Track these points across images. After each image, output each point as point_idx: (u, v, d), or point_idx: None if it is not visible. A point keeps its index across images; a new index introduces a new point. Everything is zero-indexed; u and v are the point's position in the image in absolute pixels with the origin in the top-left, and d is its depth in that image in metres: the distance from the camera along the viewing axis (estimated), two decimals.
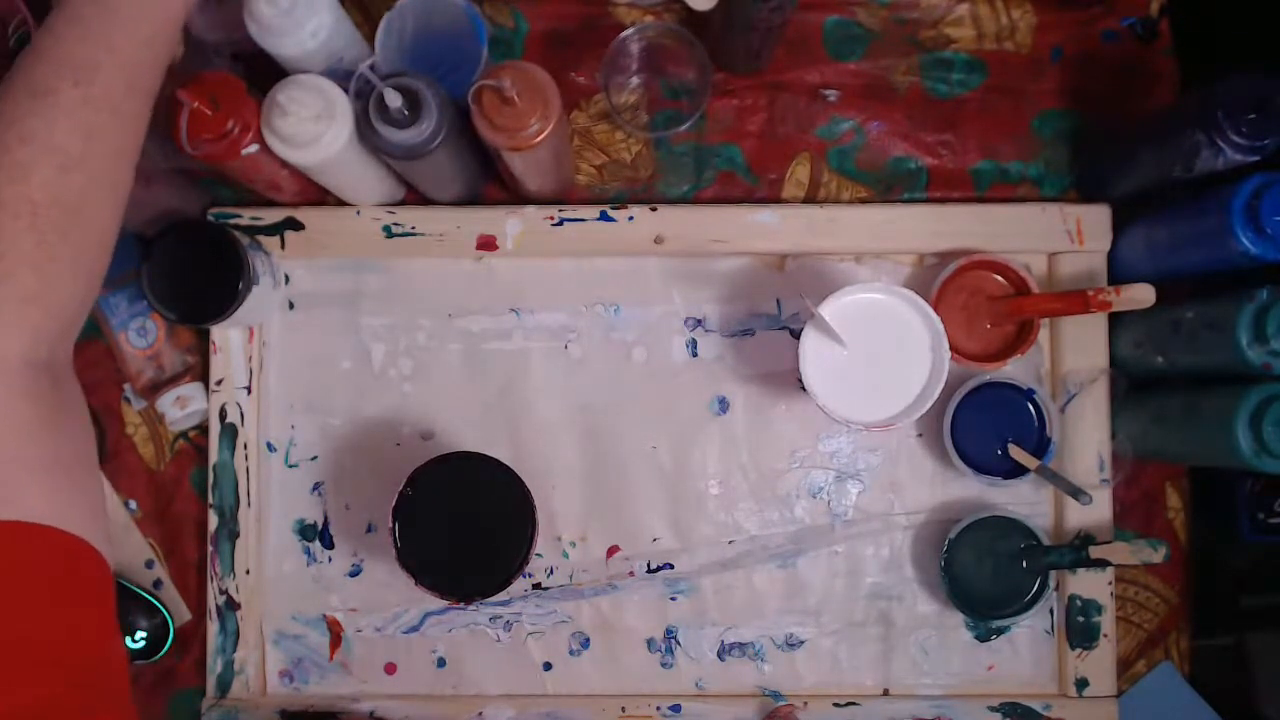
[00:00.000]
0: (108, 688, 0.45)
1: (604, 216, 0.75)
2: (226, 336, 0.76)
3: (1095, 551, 0.71)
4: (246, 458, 0.75)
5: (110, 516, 0.77)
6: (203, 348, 0.77)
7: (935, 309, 0.65)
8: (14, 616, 0.43)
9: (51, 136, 0.48)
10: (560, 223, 0.75)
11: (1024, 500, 0.75)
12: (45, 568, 0.45)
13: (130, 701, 0.46)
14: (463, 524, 0.66)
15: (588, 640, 0.76)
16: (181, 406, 0.75)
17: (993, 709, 0.74)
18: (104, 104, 0.49)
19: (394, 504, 0.65)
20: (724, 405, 0.76)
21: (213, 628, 0.75)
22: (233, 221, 0.75)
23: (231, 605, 0.75)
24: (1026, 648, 0.75)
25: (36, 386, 0.47)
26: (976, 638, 0.76)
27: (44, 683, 0.42)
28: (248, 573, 0.75)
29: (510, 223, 0.75)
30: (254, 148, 0.65)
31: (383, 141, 0.63)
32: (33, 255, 0.47)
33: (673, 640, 0.76)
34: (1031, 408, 0.73)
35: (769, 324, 0.76)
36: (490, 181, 0.78)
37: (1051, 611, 0.75)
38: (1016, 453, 0.72)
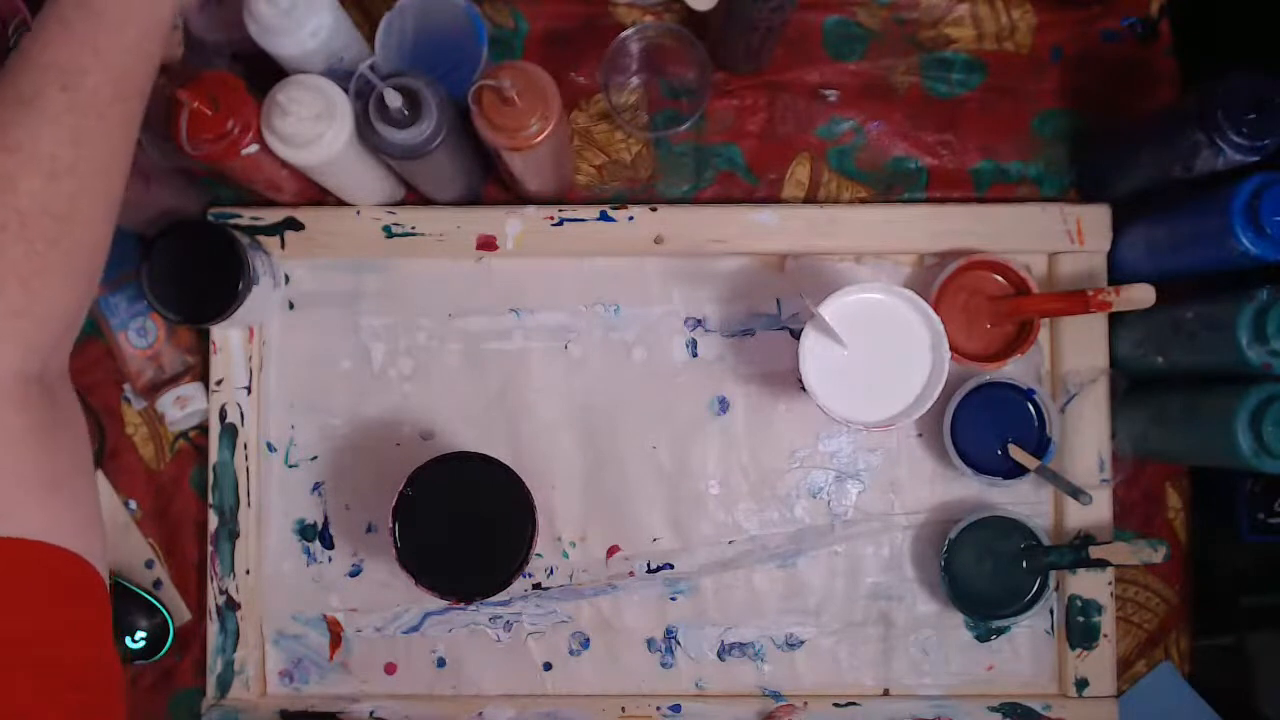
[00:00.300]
0: (107, 694, 0.45)
1: (604, 216, 0.75)
2: (226, 336, 0.76)
3: (1095, 551, 0.71)
4: (246, 458, 0.75)
5: (110, 517, 0.77)
6: (203, 348, 0.77)
7: (935, 309, 0.66)
8: (12, 621, 0.43)
9: (38, 144, 0.47)
10: (560, 223, 0.75)
11: (1024, 500, 0.75)
12: (40, 583, 0.45)
13: (126, 716, 0.46)
14: (463, 524, 0.66)
15: (588, 640, 0.76)
16: (181, 406, 0.75)
17: (993, 709, 0.74)
18: (91, 109, 0.49)
19: (394, 504, 0.65)
20: (724, 405, 0.76)
21: (213, 628, 0.75)
22: (233, 221, 0.75)
23: (231, 605, 0.75)
24: (1026, 648, 0.75)
25: (30, 399, 0.46)
26: (976, 638, 0.76)
27: (44, 680, 0.42)
28: (248, 573, 0.75)
29: (510, 223, 0.75)
30: (254, 148, 0.65)
31: (383, 141, 0.63)
32: (22, 266, 0.46)
33: (673, 640, 0.76)
34: (1031, 408, 0.73)
35: (769, 324, 0.76)
36: (490, 181, 0.78)
37: (1051, 611, 0.75)
38: (1016, 453, 0.72)
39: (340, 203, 0.76)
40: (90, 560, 0.46)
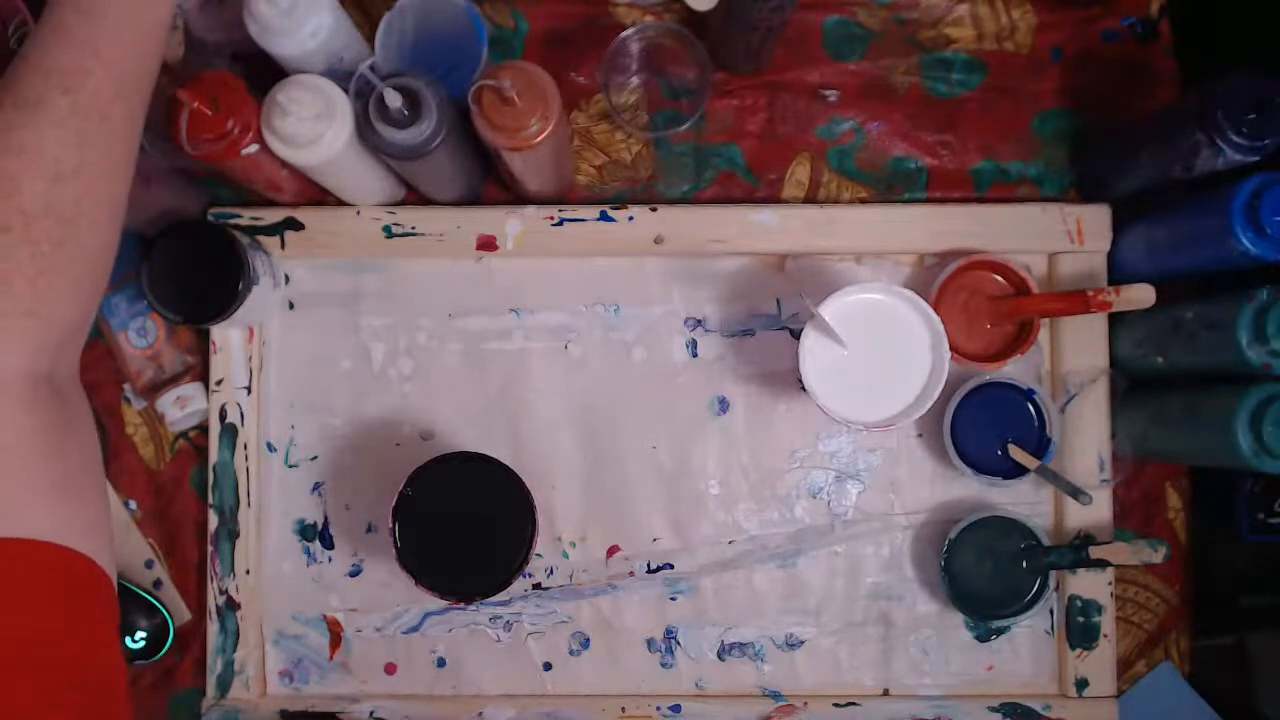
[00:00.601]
0: (108, 694, 0.45)
1: (604, 216, 0.75)
2: (226, 336, 0.76)
3: (1095, 551, 0.71)
4: (246, 458, 0.75)
5: (110, 516, 0.77)
6: (203, 348, 0.77)
7: (935, 309, 0.66)
8: (15, 620, 0.43)
9: (42, 147, 0.47)
10: (560, 223, 0.75)
11: (1024, 500, 0.75)
12: (47, 583, 0.45)
13: (130, 717, 0.46)
14: (463, 524, 0.66)
15: (588, 640, 0.76)
16: (181, 406, 0.75)
17: (993, 709, 0.74)
18: (93, 110, 0.49)
19: (394, 504, 0.65)
20: (724, 405, 0.76)
21: (213, 628, 0.75)
22: (233, 221, 0.75)
23: (231, 605, 0.75)
24: (1026, 648, 0.75)
25: (40, 400, 0.47)
26: (976, 638, 0.76)
27: (44, 680, 0.42)
28: (248, 573, 0.75)
29: (510, 223, 0.75)
30: (254, 148, 0.65)
31: (383, 141, 0.63)
32: (29, 267, 0.46)
33: (673, 640, 0.76)
34: (1031, 408, 0.73)
35: (769, 324, 0.76)
36: (490, 181, 0.78)
37: (1051, 612, 0.75)
38: (1016, 453, 0.72)
39: (340, 203, 0.76)
40: (98, 561, 0.46)
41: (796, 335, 0.75)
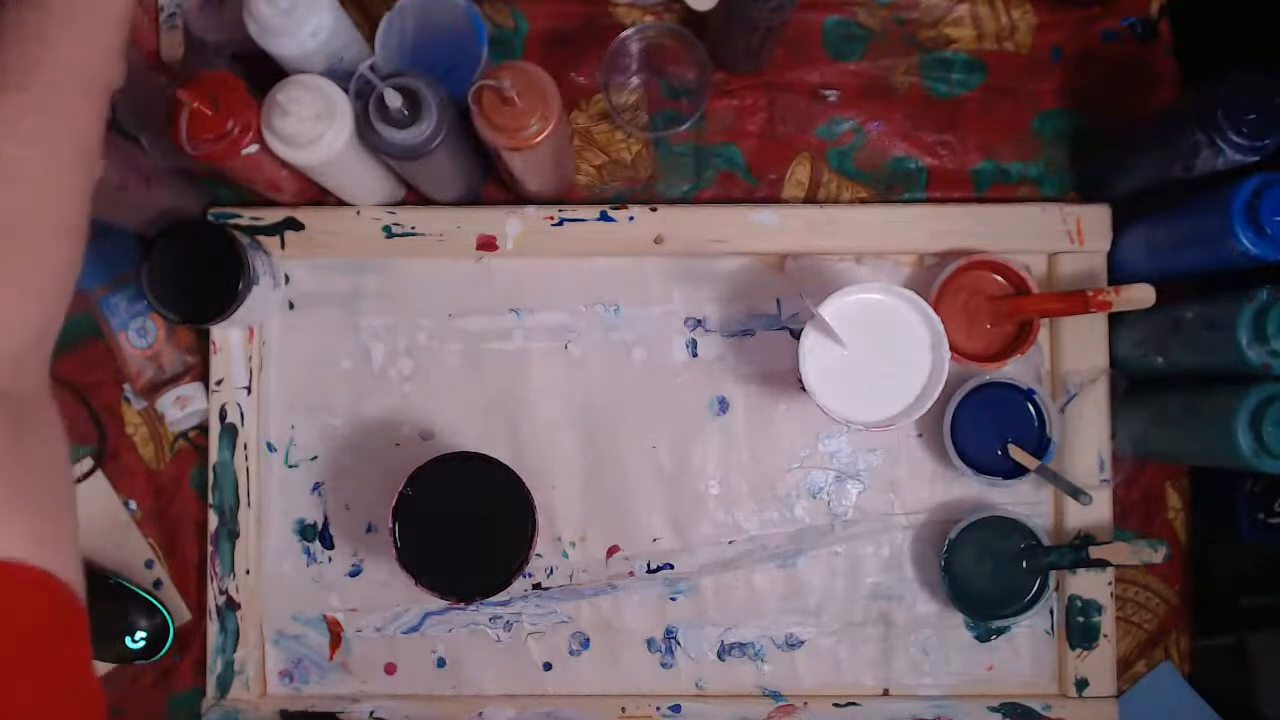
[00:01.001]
0: (98, 704, 0.45)
1: (604, 216, 0.75)
2: (226, 336, 0.76)
3: (1095, 551, 0.71)
4: (246, 458, 0.75)
5: (110, 516, 0.77)
6: (203, 348, 0.77)
7: (935, 309, 0.66)
8: (15, 620, 0.42)
9: None
10: (560, 223, 0.75)
11: (1024, 500, 0.75)
12: (11, 601, 0.42)
13: None
14: (463, 524, 0.66)
15: (588, 640, 0.76)
16: (181, 406, 0.75)
17: (993, 709, 0.74)
18: (49, 106, 0.47)
19: (394, 504, 0.65)
20: (724, 405, 0.76)
21: (213, 628, 0.75)
22: (233, 221, 0.75)
23: (231, 605, 0.75)
24: (1026, 648, 0.75)
25: None
26: (976, 638, 0.76)
27: (43, 681, 0.42)
28: (248, 573, 0.75)
29: (510, 223, 0.75)
30: (254, 148, 0.65)
31: (383, 141, 0.63)
32: None
33: (673, 640, 0.76)
34: (1031, 408, 0.73)
35: (769, 324, 0.76)
36: (490, 181, 0.78)
37: (1051, 612, 0.75)
38: (1016, 453, 0.72)
39: (340, 203, 0.76)
40: (59, 576, 0.43)
41: (796, 335, 0.75)
